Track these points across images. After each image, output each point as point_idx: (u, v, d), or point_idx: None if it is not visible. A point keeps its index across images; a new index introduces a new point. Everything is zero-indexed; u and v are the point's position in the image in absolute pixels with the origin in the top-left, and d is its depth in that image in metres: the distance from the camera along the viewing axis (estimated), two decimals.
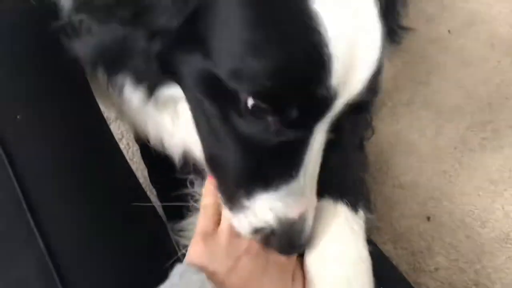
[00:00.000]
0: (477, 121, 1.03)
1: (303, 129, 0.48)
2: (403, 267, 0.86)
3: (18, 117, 0.54)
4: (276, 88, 0.44)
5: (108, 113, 0.78)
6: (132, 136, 1.00)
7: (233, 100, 0.46)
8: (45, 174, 0.55)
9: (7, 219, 0.52)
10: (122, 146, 0.99)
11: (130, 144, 1.03)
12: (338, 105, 0.47)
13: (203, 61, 0.47)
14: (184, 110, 0.57)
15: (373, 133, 0.83)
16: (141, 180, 0.70)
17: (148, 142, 0.69)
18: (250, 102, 0.45)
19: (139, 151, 0.97)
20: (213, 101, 0.49)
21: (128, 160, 0.69)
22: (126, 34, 0.49)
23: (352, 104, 0.48)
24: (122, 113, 0.68)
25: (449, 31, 1.19)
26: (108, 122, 0.70)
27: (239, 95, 0.45)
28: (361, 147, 0.80)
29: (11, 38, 0.58)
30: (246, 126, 0.48)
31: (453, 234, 0.89)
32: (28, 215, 0.51)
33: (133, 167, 0.68)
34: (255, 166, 0.51)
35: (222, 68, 0.45)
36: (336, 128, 0.52)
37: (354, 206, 0.62)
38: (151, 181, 0.88)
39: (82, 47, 0.53)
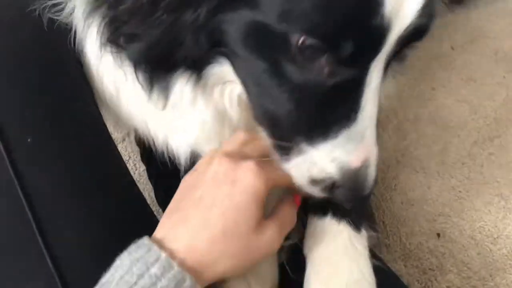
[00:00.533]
0: (484, 136, 1.02)
1: (358, 66, 0.46)
2: (415, 286, 0.85)
3: (29, 140, 0.55)
4: (328, 21, 0.42)
5: (116, 134, 0.79)
6: (138, 157, 1.00)
7: (284, 46, 0.45)
8: (53, 196, 0.55)
9: (19, 240, 0.53)
10: (129, 167, 0.99)
11: (137, 165, 1.03)
12: (393, 37, 0.44)
13: (250, 13, 0.46)
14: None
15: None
16: (148, 201, 0.70)
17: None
18: (302, 41, 0.43)
19: (146, 172, 0.97)
20: (263, 54, 0.48)
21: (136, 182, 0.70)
22: (173, 19, 0.48)
23: (407, 35, 0.45)
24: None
25: (452, 47, 1.20)
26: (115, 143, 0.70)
27: (290, 39, 0.44)
28: None
29: (24, 61, 0.60)
30: (299, 73, 0.46)
31: (464, 251, 0.88)
32: (38, 236, 0.52)
33: (140, 187, 0.68)
34: (312, 114, 0.49)
35: (271, 14, 0.44)
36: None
37: (356, 225, 0.62)
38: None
39: (132, 57, 0.53)
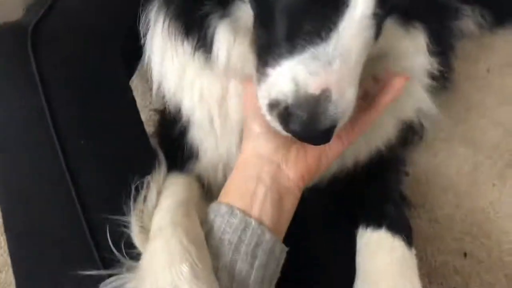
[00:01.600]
0: None
1: None
2: None
3: (82, 142, 0.60)
4: None
5: None
6: None
7: None
8: (103, 196, 0.60)
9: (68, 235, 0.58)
10: None
11: None
12: None
13: None
14: None
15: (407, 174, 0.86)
16: None
17: None
18: None
19: None
20: None
21: None
22: None
23: None
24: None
25: (488, 69, 1.20)
26: None
27: None
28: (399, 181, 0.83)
29: (79, 67, 0.66)
30: None
31: (491, 272, 0.88)
32: (87, 232, 0.56)
33: None
34: (286, 26, 0.46)
35: None
36: None
37: (409, 242, 0.64)
38: None
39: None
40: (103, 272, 0.53)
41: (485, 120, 1.09)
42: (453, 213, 0.95)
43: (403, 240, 0.63)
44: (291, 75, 0.46)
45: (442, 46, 0.66)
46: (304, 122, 0.45)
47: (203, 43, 0.57)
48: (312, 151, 0.57)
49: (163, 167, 0.63)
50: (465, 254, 0.90)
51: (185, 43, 0.58)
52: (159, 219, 0.57)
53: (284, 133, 0.49)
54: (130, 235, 0.56)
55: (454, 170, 1.02)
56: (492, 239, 0.92)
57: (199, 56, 0.58)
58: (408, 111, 0.72)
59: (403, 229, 0.64)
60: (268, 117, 0.50)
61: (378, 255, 0.62)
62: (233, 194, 0.56)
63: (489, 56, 1.23)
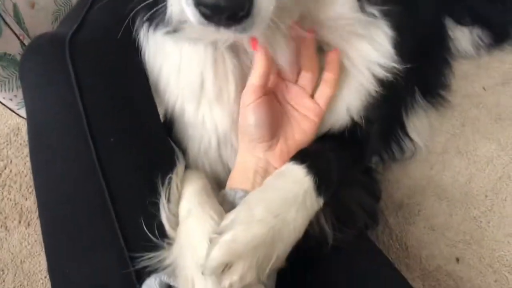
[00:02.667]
0: (510, 173, 1.08)
1: None
2: None
3: (112, 139, 0.67)
4: None
5: None
6: None
7: None
8: (130, 189, 0.67)
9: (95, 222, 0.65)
10: None
11: None
12: None
13: None
14: None
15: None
16: None
17: None
18: None
19: None
20: None
21: None
22: None
23: None
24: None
25: (484, 88, 1.27)
26: None
27: None
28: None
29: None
30: None
31: (482, 277, 0.93)
32: (115, 222, 0.64)
33: None
34: None
35: None
36: None
37: (319, 188, 0.66)
38: None
39: None
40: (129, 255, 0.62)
41: (479, 135, 1.15)
42: (447, 221, 1.01)
43: (315, 182, 0.66)
44: None
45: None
46: None
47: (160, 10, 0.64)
48: (294, 145, 0.71)
49: (182, 163, 0.71)
50: (457, 260, 0.95)
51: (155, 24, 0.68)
52: (187, 203, 0.67)
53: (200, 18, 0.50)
54: (159, 222, 0.65)
55: (449, 181, 1.08)
56: (484, 246, 0.97)
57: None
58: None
59: (322, 175, 0.67)
60: (192, 16, 0.51)
61: (280, 178, 0.67)
62: (238, 181, 0.71)
63: (485, 75, 1.29)
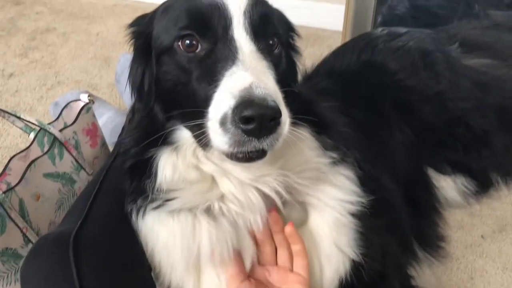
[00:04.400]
0: None
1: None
2: None
3: None
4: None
5: None
6: None
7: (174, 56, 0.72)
8: None
9: None
10: None
11: None
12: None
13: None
14: None
15: None
16: None
17: None
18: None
19: None
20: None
21: None
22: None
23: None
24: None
25: (482, 236, 1.27)
26: None
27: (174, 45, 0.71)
28: None
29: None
30: (187, 59, 0.70)
31: None
32: None
33: None
34: (203, 81, 0.66)
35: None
36: None
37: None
38: None
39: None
40: None
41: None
42: None
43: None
44: (224, 92, 0.62)
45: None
46: (252, 102, 0.58)
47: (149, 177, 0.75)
48: None
49: None
50: None
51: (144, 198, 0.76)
52: None
53: (240, 137, 0.61)
54: None
55: None
56: None
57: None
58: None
59: None
60: (224, 137, 0.62)
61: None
62: None
63: (481, 223, 1.32)
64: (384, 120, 1.25)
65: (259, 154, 0.65)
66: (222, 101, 0.61)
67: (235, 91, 0.60)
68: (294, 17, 0.86)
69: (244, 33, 0.69)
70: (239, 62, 0.64)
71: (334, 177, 0.82)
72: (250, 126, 0.59)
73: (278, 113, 0.60)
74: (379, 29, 1.50)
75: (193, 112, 0.67)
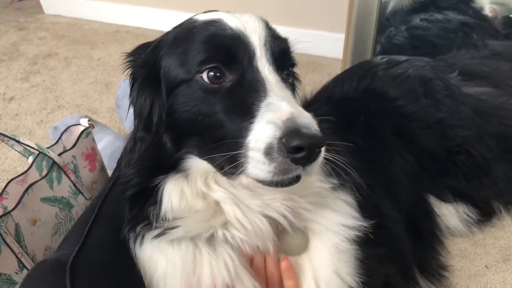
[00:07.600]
0: None
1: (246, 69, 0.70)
2: None
3: None
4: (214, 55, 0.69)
5: None
6: None
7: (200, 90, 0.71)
8: None
9: None
10: None
11: None
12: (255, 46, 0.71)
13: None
14: None
15: None
16: None
17: None
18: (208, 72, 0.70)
19: None
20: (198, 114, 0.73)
21: None
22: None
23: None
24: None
25: (486, 266, 1.25)
26: None
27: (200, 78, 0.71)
28: None
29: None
30: (214, 92, 0.69)
31: None
32: None
33: None
34: (234, 114, 0.66)
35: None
36: None
37: None
38: None
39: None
40: None
41: None
42: None
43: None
44: (265, 122, 0.62)
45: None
46: (299, 131, 0.60)
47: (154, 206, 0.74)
48: None
49: None
50: None
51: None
52: None
53: (287, 165, 0.62)
54: None
55: None
56: None
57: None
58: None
59: None
60: (268, 166, 0.62)
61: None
62: None
63: (484, 253, 1.29)
64: (384, 146, 1.24)
65: (297, 179, 0.66)
66: (265, 131, 0.62)
67: (278, 122, 0.61)
68: (295, 45, 0.87)
69: (267, 64, 0.71)
70: (271, 93, 0.66)
71: (334, 202, 0.83)
72: (299, 155, 0.60)
73: (324, 141, 0.61)
74: (379, 57, 1.52)
75: (219, 142, 0.67)
